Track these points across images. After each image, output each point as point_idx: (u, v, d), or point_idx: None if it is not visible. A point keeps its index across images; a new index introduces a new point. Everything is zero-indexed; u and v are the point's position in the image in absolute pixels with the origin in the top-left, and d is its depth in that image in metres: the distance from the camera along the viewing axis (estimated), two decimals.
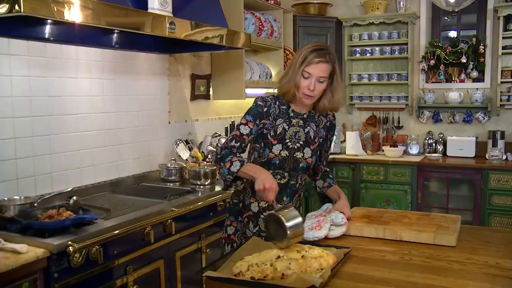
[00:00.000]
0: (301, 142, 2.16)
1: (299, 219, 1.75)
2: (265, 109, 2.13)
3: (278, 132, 2.13)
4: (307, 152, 2.17)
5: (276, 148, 2.12)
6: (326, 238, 1.99)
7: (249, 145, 2.21)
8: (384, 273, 1.63)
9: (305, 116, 2.19)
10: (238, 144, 2.10)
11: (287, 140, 2.14)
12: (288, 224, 1.70)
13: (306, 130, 2.18)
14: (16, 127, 2.54)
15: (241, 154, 2.13)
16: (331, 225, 2.03)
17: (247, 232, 2.20)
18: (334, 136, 4.88)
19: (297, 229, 1.72)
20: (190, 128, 3.92)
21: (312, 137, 2.19)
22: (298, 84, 2.06)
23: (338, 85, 2.14)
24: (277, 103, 2.16)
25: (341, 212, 2.11)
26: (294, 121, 2.16)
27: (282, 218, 1.71)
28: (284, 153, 2.13)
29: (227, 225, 2.27)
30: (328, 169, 2.42)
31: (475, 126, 4.97)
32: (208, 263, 2.74)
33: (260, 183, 1.89)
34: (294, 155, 2.15)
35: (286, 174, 2.16)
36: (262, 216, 2.18)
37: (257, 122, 2.11)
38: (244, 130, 2.10)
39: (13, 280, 1.82)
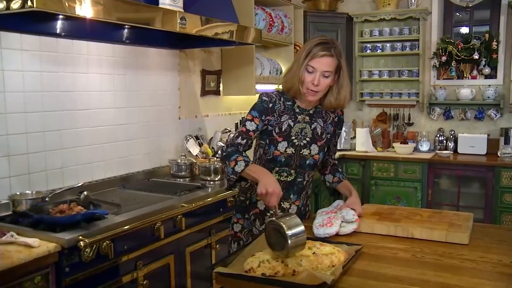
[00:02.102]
0: (307, 139, 2.11)
1: (301, 228, 1.62)
2: (270, 105, 2.09)
3: (283, 129, 2.09)
4: (314, 148, 2.13)
5: (282, 146, 2.08)
6: (337, 235, 1.98)
7: (254, 141, 2.18)
8: (396, 270, 1.62)
9: (311, 112, 2.14)
10: (245, 141, 2.06)
11: (293, 137, 2.09)
12: (289, 232, 1.57)
13: (313, 126, 2.14)
14: (28, 122, 2.55)
15: (247, 151, 2.10)
16: (342, 221, 2.02)
17: (253, 229, 2.18)
18: (344, 132, 4.96)
19: (298, 238, 1.60)
20: (200, 123, 3.92)
21: (319, 133, 2.15)
22: (302, 79, 2.00)
23: (345, 81, 2.07)
24: (282, 99, 2.12)
25: (352, 209, 2.09)
26: (299, 117, 2.11)
27: (284, 226, 1.59)
28: (290, 150, 2.09)
29: (233, 223, 2.25)
30: (336, 162, 2.40)
31: (487, 123, 4.92)
32: (218, 259, 2.76)
33: (263, 187, 1.83)
34: (301, 152, 2.11)
35: (292, 171, 2.13)
36: (268, 214, 2.15)
37: (262, 118, 2.07)
38: (251, 126, 2.06)
39: (25, 274, 1.84)
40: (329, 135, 2.19)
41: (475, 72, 4.93)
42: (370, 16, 5.14)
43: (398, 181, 4.76)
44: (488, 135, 4.82)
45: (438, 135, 5.05)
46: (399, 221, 2.08)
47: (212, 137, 3.85)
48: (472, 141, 4.78)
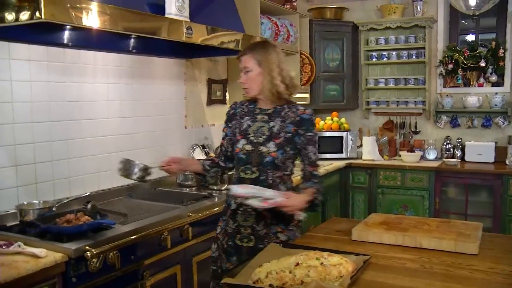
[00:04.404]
0: (264, 136, 2.20)
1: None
2: (232, 111, 2.36)
3: (242, 128, 2.27)
4: (271, 146, 2.18)
5: (241, 143, 2.24)
6: (242, 204, 2.14)
7: None
8: (404, 281, 1.61)
9: (269, 111, 2.26)
10: (219, 150, 2.42)
11: (251, 135, 2.23)
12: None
13: (270, 124, 2.22)
14: (35, 132, 2.57)
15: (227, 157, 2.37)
16: (257, 196, 2.01)
17: (227, 228, 2.26)
18: (350, 141, 4.92)
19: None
20: (206, 132, 3.92)
21: (276, 131, 2.20)
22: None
23: (272, 68, 2.18)
24: (247, 103, 2.33)
25: (281, 197, 2.04)
26: (258, 117, 2.26)
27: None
28: (248, 147, 2.21)
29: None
30: (312, 170, 2.23)
31: (494, 131, 4.89)
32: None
33: None
34: (258, 149, 2.19)
35: (255, 169, 2.20)
36: (239, 211, 2.21)
37: (229, 125, 2.34)
38: (223, 135, 2.38)
39: (32, 284, 1.84)
40: (289, 134, 2.20)
41: (481, 80, 4.90)
42: (375, 25, 5.14)
43: (405, 189, 4.73)
44: (496, 143, 4.79)
45: (445, 143, 5.02)
46: (407, 231, 2.07)
47: (218, 146, 3.84)
48: (480, 149, 4.75)
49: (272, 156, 2.18)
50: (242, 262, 2.04)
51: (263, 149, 2.19)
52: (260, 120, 2.25)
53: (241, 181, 2.23)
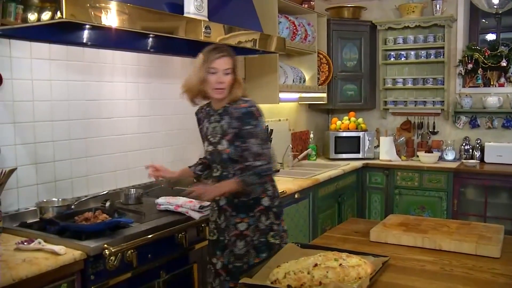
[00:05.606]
0: (218, 135, 2.33)
1: None
2: (197, 117, 2.51)
3: (204, 132, 2.43)
4: (224, 143, 2.30)
5: (205, 145, 2.41)
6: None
7: None
8: (424, 283, 1.59)
9: (220, 111, 2.36)
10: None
11: (209, 136, 2.37)
12: None
13: (221, 123, 2.34)
14: (55, 130, 2.59)
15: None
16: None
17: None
18: (368, 141, 4.88)
19: None
20: None
21: (226, 129, 2.32)
22: (206, 81, 2.27)
23: (239, 73, 2.39)
24: (205, 107, 2.46)
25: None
26: (212, 118, 2.39)
27: None
28: (210, 148, 2.36)
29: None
30: (254, 162, 2.27)
31: None
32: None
33: None
34: (216, 148, 2.33)
35: (218, 166, 2.37)
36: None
37: (199, 128, 2.51)
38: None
39: (52, 281, 1.86)
40: (236, 130, 2.31)
41: (502, 80, 4.82)
42: (394, 24, 5.09)
43: (422, 190, 4.68)
44: None
45: (463, 144, 4.95)
46: (426, 233, 2.05)
47: None
48: (500, 150, 4.68)
49: (227, 152, 2.31)
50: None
51: (219, 147, 2.33)
52: (214, 121, 2.38)
53: (213, 179, 2.42)
